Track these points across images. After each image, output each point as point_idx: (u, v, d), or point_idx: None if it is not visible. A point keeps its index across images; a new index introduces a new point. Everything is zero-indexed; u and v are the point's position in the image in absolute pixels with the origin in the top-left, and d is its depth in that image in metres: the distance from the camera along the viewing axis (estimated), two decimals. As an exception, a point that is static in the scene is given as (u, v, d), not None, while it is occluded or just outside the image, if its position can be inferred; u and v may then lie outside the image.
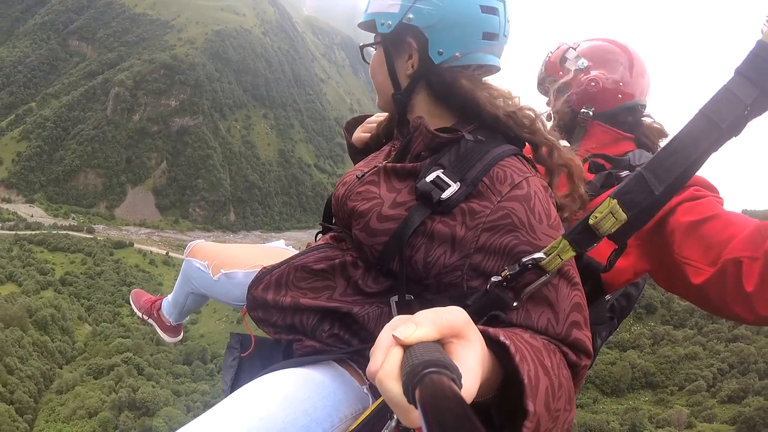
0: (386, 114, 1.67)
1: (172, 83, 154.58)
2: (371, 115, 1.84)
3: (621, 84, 1.93)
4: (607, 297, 1.81)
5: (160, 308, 2.55)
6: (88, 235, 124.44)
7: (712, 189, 1.61)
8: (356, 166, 1.60)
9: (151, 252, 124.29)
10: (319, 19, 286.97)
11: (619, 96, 1.92)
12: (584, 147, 1.90)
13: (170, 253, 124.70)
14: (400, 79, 1.42)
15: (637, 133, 1.95)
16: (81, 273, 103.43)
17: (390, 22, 1.35)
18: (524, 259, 1.11)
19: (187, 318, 2.51)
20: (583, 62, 1.92)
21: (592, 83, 1.91)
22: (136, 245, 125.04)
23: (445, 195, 1.20)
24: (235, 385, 1.54)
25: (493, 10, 1.32)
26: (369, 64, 1.52)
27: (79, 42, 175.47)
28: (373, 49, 1.50)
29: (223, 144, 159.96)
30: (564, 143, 1.40)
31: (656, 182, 1.14)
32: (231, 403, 1.25)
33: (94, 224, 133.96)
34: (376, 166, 1.43)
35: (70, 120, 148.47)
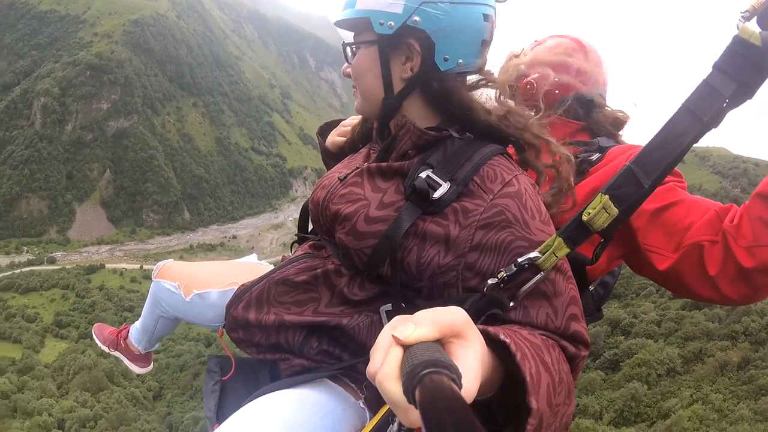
0: (359, 117, 1.62)
1: (101, 84, 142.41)
2: (344, 119, 1.78)
3: (558, 80, 1.86)
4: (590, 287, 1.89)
5: (126, 337, 2.37)
6: (54, 267, 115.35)
7: (675, 174, 1.63)
8: (335, 168, 1.53)
9: (125, 270, 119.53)
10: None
11: (557, 92, 1.88)
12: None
13: (144, 266, 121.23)
14: (394, 83, 1.32)
15: (588, 122, 1.93)
16: (71, 310, 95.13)
17: (392, 22, 1.23)
18: (520, 260, 1.10)
19: (158, 345, 2.35)
20: (521, 68, 1.83)
21: (528, 86, 1.86)
22: (107, 266, 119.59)
23: (437, 195, 1.18)
24: (220, 411, 1.48)
25: (489, 18, 1.28)
26: (350, 63, 1.38)
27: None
28: (353, 48, 1.36)
29: (163, 141, 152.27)
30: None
31: (645, 176, 1.17)
32: None
33: (51, 252, 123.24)
34: (358, 167, 1.38)
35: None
